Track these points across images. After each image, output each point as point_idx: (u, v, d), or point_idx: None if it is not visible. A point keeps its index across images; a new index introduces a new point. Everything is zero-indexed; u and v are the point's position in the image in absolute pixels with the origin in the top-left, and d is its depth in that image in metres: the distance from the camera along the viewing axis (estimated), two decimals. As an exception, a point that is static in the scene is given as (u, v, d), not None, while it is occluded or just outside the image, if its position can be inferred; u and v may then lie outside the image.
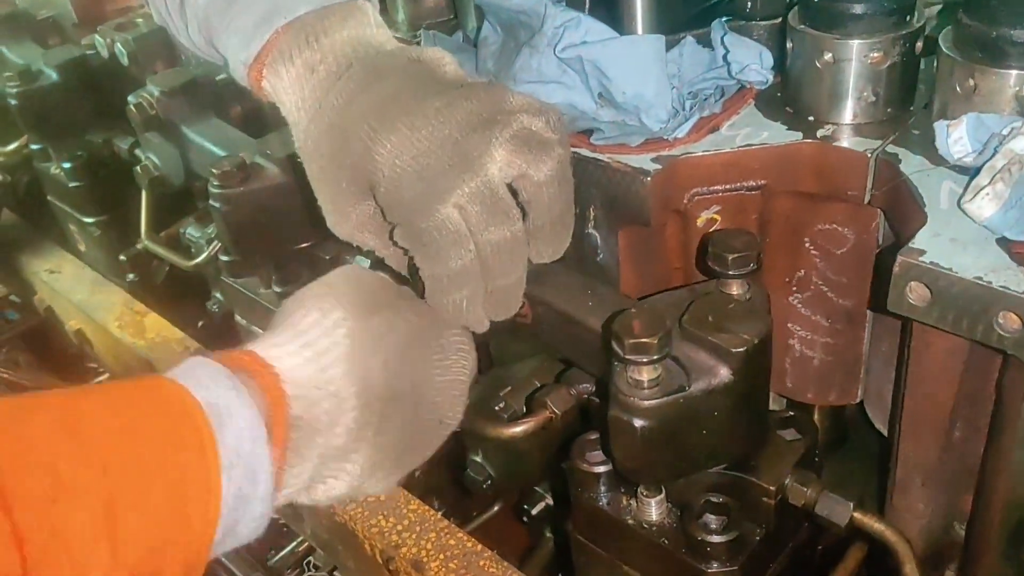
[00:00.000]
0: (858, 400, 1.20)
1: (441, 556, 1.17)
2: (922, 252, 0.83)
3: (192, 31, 0.99)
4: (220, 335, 1.80)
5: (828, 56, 1.01)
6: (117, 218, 2.02)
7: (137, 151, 1.73)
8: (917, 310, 0.84)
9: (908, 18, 1.00)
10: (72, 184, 2.00)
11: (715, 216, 1.08)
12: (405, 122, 0.81)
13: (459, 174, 0.79)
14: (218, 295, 1.74)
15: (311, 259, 1.41)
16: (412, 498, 1.26)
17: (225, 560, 1.72)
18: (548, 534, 1.49)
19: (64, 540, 0.59)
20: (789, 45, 1.06)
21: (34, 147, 2.05)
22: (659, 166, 1.03)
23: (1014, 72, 0.91)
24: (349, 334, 0.79)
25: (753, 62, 1.09)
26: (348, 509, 1.26)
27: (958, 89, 0.95)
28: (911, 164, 0.96)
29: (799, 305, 1.14)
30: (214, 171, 1.34)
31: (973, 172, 0.87)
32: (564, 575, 1.45)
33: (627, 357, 0.83)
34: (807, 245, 1.09)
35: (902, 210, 0.95)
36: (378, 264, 0.94)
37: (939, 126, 0.94)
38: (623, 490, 1.01)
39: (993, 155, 0.86)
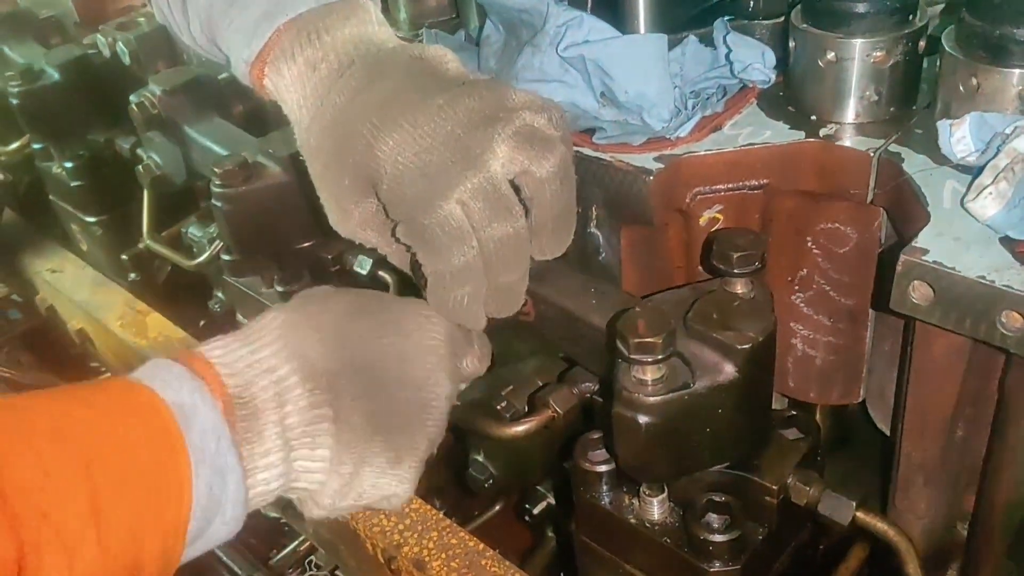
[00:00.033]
0: (860, 399, 1.20)
1: (443, 555, 1.16)
2: (925, 251, 0.83)
3: (194, 29, 0.99)
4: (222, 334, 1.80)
5: (831, 55, 1.01)
6: (119, 217, 2.02)
7: (139, 150, 1.73)
8: (920, 309, 0.84)
9: (911, 17, 1.00)
10: (74, 183, 2.00)
11: (717, 215, 1.08)
12: (407, 119, 0.81)
13: (462, 170, 0.79)
14: (220, 294, 1.74)
15: (313, 258, 1.41)
16: (414, 497, 1.25)
17: (227, 559, 1.73)
18: (550, 533, 1.49)
19: (54, 524, 0.63)
20: (791, 44, 1.06)
21: (36, 146, 2.04)
22: (661, 165, 1.03)
23: (1017, 71, 0.91)
24: (282, 322, 0.82)
25: (755, 61, 1.09)
26: (350, 508, 1.25)
27: (961, 88, 0.95)
28: (914, 163, 0.96)
29: (801, 304, 1.14)
30: (216, 170, 1.34)
31: (976, 171, 0.87)
32: (566, 574, 1.45)
33: (632, 356, 0.83)
34: (809, 244, 1.08)
35: (905, 209, 0.95)
36: (380, 262, 0.94)
37: (942, 125, 0.94)
38: (625, 489, 1.01)
39: (996, 154, 0.86)
